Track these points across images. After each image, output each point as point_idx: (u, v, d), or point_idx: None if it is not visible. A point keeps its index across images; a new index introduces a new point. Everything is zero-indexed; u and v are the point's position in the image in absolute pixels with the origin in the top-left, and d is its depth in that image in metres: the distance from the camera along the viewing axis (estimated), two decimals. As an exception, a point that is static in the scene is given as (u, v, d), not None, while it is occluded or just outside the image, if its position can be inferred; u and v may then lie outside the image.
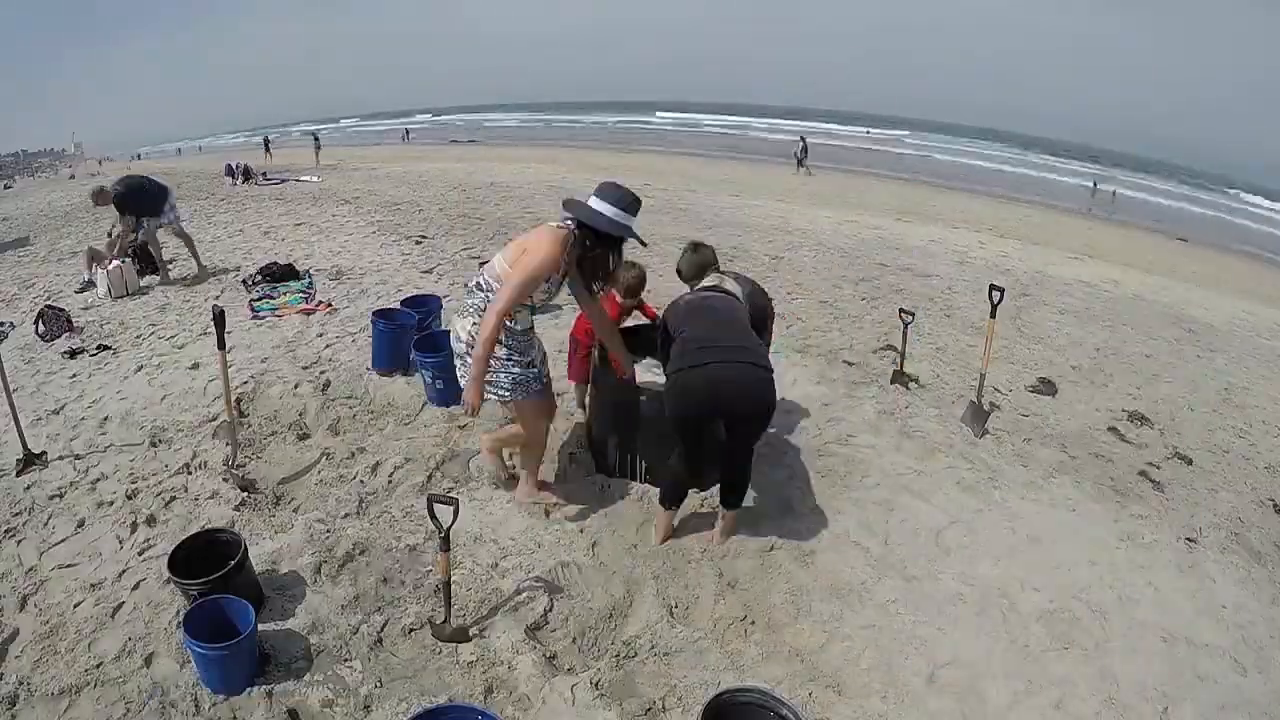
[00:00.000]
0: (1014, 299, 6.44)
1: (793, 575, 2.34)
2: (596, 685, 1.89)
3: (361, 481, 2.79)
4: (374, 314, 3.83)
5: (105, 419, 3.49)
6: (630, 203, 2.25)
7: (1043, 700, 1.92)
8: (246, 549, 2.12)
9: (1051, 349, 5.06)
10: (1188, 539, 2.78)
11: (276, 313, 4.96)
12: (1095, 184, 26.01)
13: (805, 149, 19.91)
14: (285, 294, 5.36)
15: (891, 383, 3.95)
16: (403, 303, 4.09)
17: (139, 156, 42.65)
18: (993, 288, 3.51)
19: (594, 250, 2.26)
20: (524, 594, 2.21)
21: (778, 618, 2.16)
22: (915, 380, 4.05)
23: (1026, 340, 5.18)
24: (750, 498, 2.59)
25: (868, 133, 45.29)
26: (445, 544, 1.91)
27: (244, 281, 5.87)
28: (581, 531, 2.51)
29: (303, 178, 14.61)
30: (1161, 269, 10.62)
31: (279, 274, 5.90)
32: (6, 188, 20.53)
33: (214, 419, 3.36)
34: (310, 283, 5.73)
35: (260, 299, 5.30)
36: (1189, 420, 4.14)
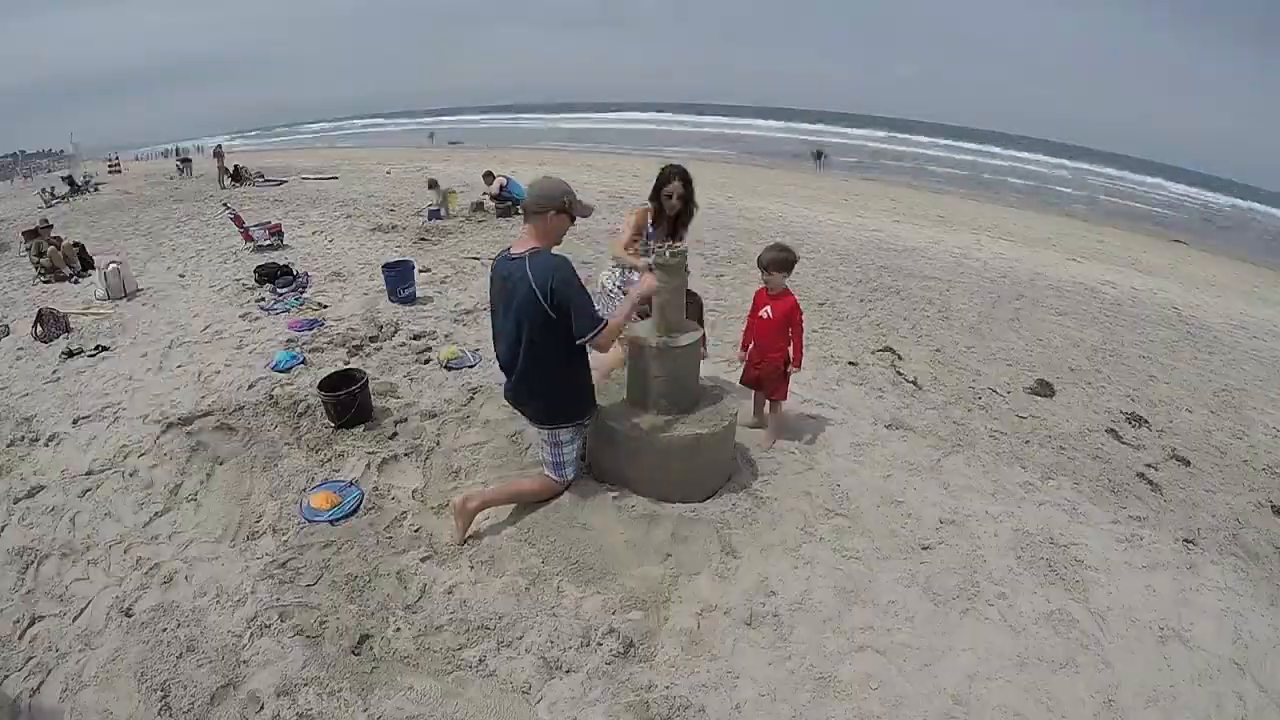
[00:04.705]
0: (1011, 300, 6.46)
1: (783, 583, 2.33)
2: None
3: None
4: (383, 266, 5.49)
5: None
6: None
7: (1041, 700, 1.91)
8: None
9: (1049, 350, 5.07)
10: (1186, 540, 2.78)
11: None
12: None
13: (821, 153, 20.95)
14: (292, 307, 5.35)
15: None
16: (385, 265, 5.56)
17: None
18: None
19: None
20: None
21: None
22: (914, 383, 4.05)
23: (1024, 341, 5.19)
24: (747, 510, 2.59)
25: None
26: None
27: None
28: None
29: (307, 178, 14.65)
30: (1159, 270, 10.65)
31: (275, 275, 5.90)
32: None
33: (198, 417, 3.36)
34: (303, 287, 5.75)
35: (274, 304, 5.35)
36: (1186, 422, 4.15)
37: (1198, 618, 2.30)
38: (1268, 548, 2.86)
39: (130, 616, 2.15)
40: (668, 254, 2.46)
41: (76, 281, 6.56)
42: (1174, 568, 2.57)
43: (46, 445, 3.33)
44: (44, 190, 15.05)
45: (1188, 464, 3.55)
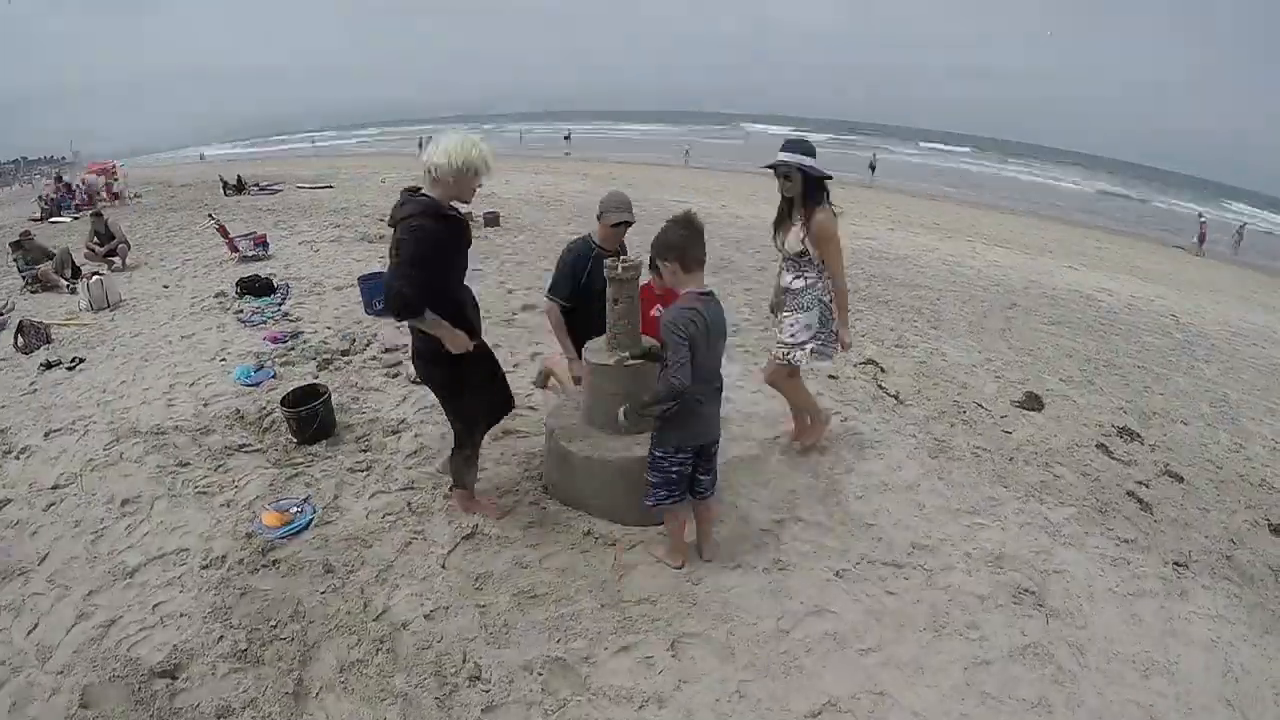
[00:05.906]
0: (1003, 310, 6.34)
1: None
2: None
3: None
4: (359, 278, 5.47)
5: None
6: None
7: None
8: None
9: (1040, 361, 4.95)
10: (1176, 564, 2.65)
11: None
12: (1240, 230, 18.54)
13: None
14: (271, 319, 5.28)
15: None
16: (360, 277, 5.53)
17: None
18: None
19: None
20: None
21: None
22: (895, 397, 3.93)
23: (1015, 353, 5.06)
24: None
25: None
26: None
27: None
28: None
29: (302, 187, 14.72)
30: (1158, 276, 10.52)
31: (258, 288, 5.85)
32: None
33: (164, 431, 3.27)
34: (282, 298, 5.69)
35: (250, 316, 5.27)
36: (1181, 435, 4.02)
37: (1185, 649, 2.18)
38: (1263, 570, 2.72)
39: (81, 633, 2.11)
40: (620, 268, 2.37)
41: (74, 291, 6.51)
42: (1162, 594, 2.44)
43: (18, 458, 3.30)
44: (41, 198, 15.10)
45: (1181, 480, 3.42)
